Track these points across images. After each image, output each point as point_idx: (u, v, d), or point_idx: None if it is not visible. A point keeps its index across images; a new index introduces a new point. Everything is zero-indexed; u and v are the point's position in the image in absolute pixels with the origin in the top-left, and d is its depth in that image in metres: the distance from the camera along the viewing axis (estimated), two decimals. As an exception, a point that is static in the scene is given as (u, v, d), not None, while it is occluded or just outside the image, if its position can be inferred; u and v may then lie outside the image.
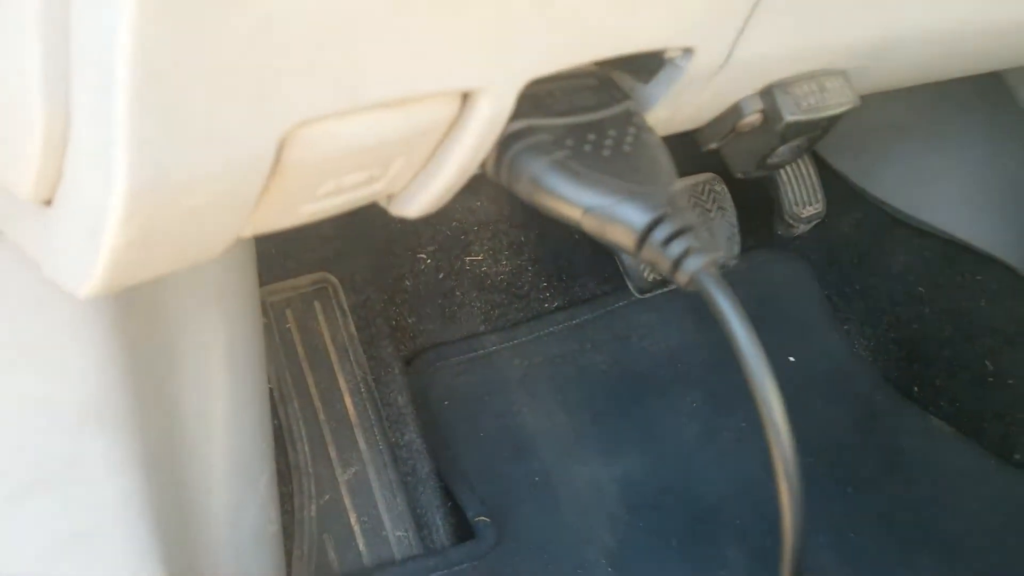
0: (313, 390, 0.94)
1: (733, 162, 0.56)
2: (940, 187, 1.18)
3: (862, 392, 1.26)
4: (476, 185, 1.34)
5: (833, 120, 0.53)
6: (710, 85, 0.48)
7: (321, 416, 0.93)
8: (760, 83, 0.51)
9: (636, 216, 0.37)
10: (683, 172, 1.21)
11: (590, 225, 0.38)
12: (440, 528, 0.97)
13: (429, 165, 0.42)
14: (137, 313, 0.55)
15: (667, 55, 0.45)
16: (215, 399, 0.64)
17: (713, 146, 0.56)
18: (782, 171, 1.25)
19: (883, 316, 1.29)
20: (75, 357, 0.53)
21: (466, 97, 0.39)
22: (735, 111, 0.52)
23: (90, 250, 0.33)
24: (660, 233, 0.36)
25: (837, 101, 0.52)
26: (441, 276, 1.20)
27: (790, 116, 0.51)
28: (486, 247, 1.23)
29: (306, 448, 0.91)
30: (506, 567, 0.98)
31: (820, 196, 1.28)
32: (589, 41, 0.40)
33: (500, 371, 1.17)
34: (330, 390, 0.94)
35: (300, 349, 0.95)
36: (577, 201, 0.38)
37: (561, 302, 1.23)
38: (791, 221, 1.29)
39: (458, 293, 1.19)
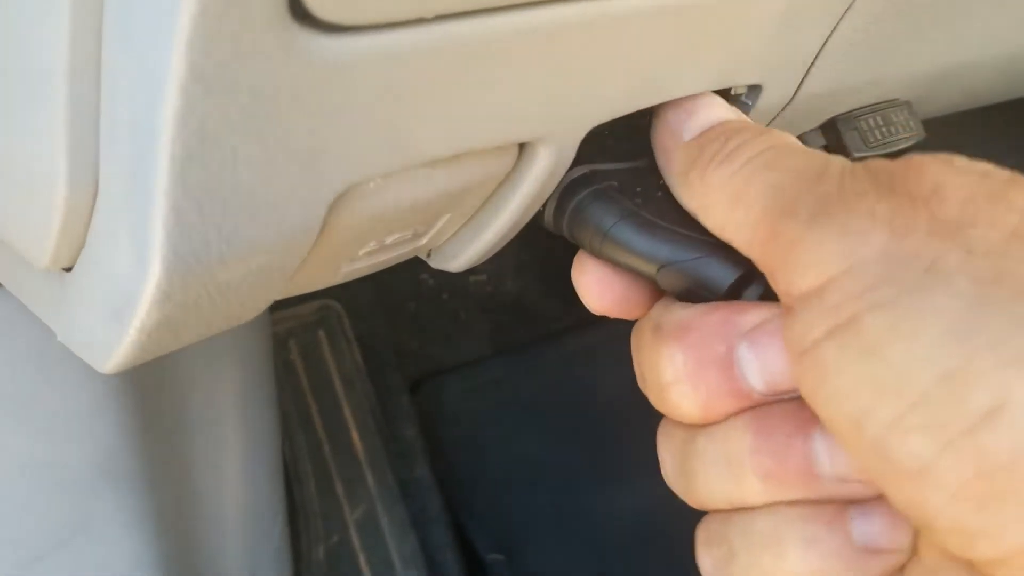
0: (319, 423, 0.90)
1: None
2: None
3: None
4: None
5: (899, 154, 0.50)
6: (774, 122, 0.45)
7: (327, 450, 0.90)
8: (823, 117, 0.48)
9: (721, 273, 0.33)
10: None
11: (666, 280, 0.35)
12: (452, 567, 0.94)
13: (477, 218, 0.39)
14: (147, 367, 0.52)
15: (733, 92, 0.42)
16: (227, 451, 0.60)
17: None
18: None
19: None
20: (83, 416, 0.49)
21: (523, 147, 0.36)
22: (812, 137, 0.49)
23: (115, 328, 0.30)
24: (751, 293, 0.32)
25: (904, 135, 0.49)
26: (445, 297, 1.17)
27: (857, 152, 0.48)
28: (491, 266, 1.20)
29: (312, 486, 0.88)
30: (521, 607, 0.95)
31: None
32: (656, 85, 0.37)
33: (507, 397, 1.14)
34: (336, 423, 0.91)
35: (305, 380, 0.92)
36: (654, 256, 0.34)
37: (569, 322, 1.21)
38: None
39: (462, 314, 1.16)
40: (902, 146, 0.49)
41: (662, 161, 0.35)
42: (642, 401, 1.26)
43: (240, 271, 0.30)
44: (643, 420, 1.27)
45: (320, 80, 0.26)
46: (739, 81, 0.41)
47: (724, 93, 0.43)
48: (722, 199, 0.29)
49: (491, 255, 0.42)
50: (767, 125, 0.45)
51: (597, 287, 0.37)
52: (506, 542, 1.00)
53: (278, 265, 0.31)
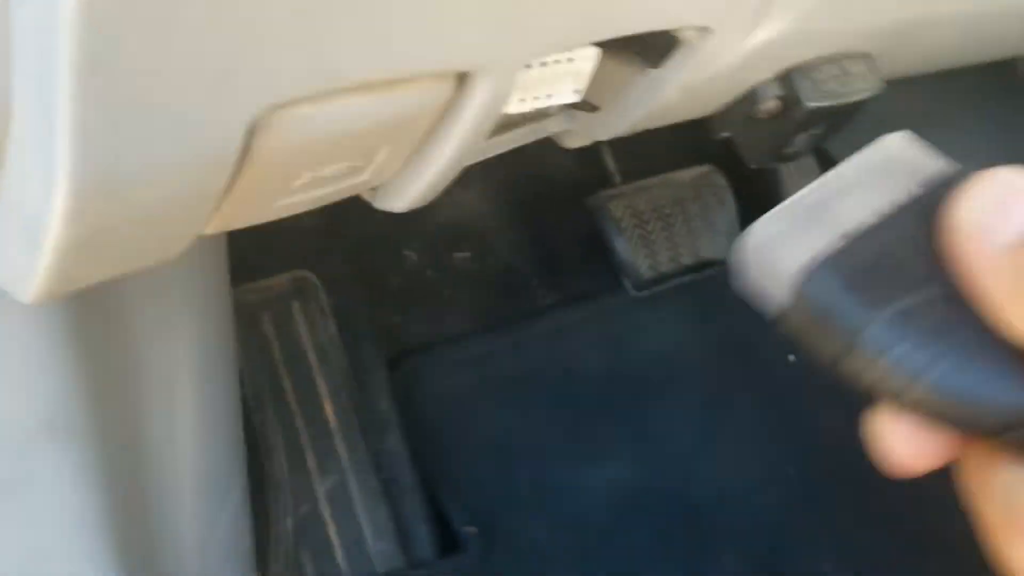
0: (291, 396, 0.90)
1: (747, 152, 0.53)
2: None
3: (864, 392, 1.24)
4: (465, 178, 1.31)
5: (855, 106, 0.49)
6: (726, 69, 0.45)
7: (299, 423, 0.89)
8: (779, 67, 0.48)
9: None
10: (678, 164, 1.18)
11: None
12: (425, 540, 0.93)
13: (418, 154, 0.39)
14: (93, 316, 0.51)
15: (681, 35, 0.42)
16: (182, 409, 0.60)
17: (726, 134, 0.52)
18: (784, 164, 1.22)
19: (888, 314, 1.26)
20: (25, 368, 0.49)
21: (462, 79, 0.35)
22: (751, 97, 0.49)
23: (32, 251, 0.30)
24: None
25: (861, 86, 0.49)
26: (428, 274, 1.16)
27: (811, 102, 0.47)
28: (475, 244, 1.20)
29: (282, 458, 0.87)
30: (495, 581, 0.95)
31: (822, 189, 1.25)
32: (598, 19, 0.37)
33: (489, 373, 1.13)
34: (309, 396, 0.90)
35: (277, 353, 0.91)
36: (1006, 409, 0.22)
37: (554, 300, 1.20)
38: (792, 215, 1.26)
39: (446, 291, 1.16)
40: (858, 98, 0.49)
41: (971, 285, 0.22)
42: (625, 378, 1.26)
43: (156, 193, 0.29)
44: (626, 397, 1.26)
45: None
46: (688, 22, 0.40)
47: (671, 37, 0.42)
48: None
49: (434, 195, 0.41)
50: (716, 72, 0.45)
51: (912, 446, 0.24)
52: (482, 516, 1.00)
53: (197, 191, 0.31)
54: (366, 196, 0.43)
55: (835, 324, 0.22)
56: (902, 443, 0.24)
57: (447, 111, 0.36)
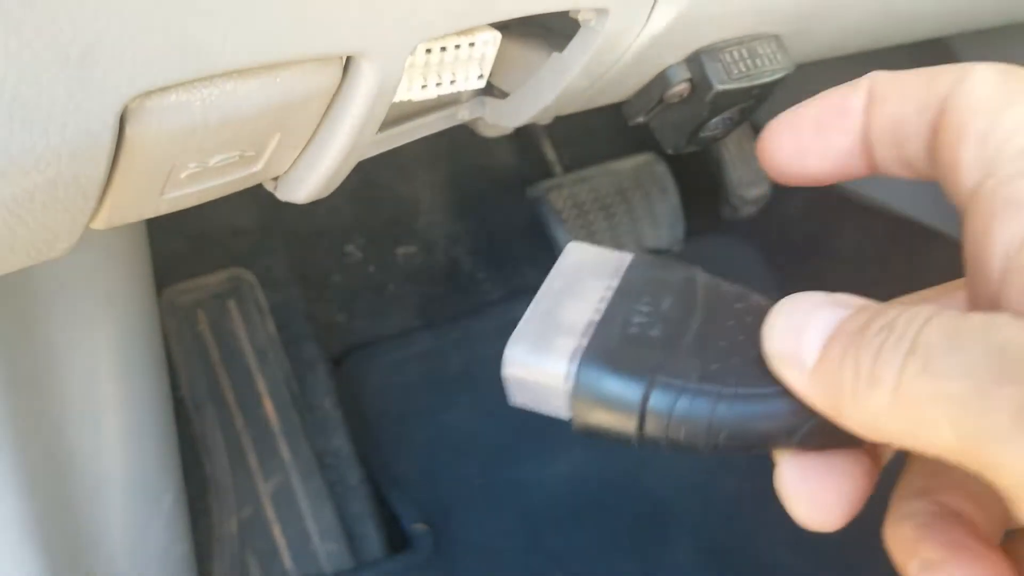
0: (230, 396, 0.89)
1: (663, 137, 0.53)
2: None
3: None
4: (408, 172, 1.31)
5: (767, 88, 0.50)
6: (631, 51, 0.45)
7: (239, 423, 0.89)
8: (687, 50, 0.48)
9: None
10: (622, 152, 1.19)
11: None
12: (373, 538, 0.93)
13: (313, 143, 0.39)
14: (3, 311, 0.51)
15: (580, 18, 0.42)
16: (106, 411, 0.59)
17: (640, 120, 0.53)
18: (726, 151, 1.23)
19: (834, 298, 1.28)
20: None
21: (348, 63, 0.35)
22: (661, 81, 0.49)
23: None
24: None
25: (770, 68, 0.49)
26: (372, 269, 1.16)
27: (720, 85, 0.48)
28: (419, 238, 1.20)
29: (224, 459, 0.87)
30: (445, 577, 0.95)
31: (766, 177, 1.26)
32: (491, 0, 0.37)
33: (436, 368, 1.13)
34: (249, 395, 0.90)
35: (214, 353, 0.91)
36: None
37: (500, 294, 1.20)
38: (737, 203, 1.27)
39: (390, 287, 1.16)
40: (767, 79, 0.49)
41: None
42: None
43: (25, 184, 0.29)
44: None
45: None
46: (583, 3, 0.40)
47: (571, 20, 0.42)
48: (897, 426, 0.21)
49: (336, 183, 0.41)
50: (621, 55, 0.45)
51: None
52: (431, 512, 0.99)
53: (73, 181, 0.30)
54: (268, 187, 0.42)
55: (621, 406, 0.24)
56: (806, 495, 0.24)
57: (335, 98, 0.36)
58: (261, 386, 0.91)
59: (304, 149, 0.39)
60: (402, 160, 1.23)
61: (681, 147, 0.53)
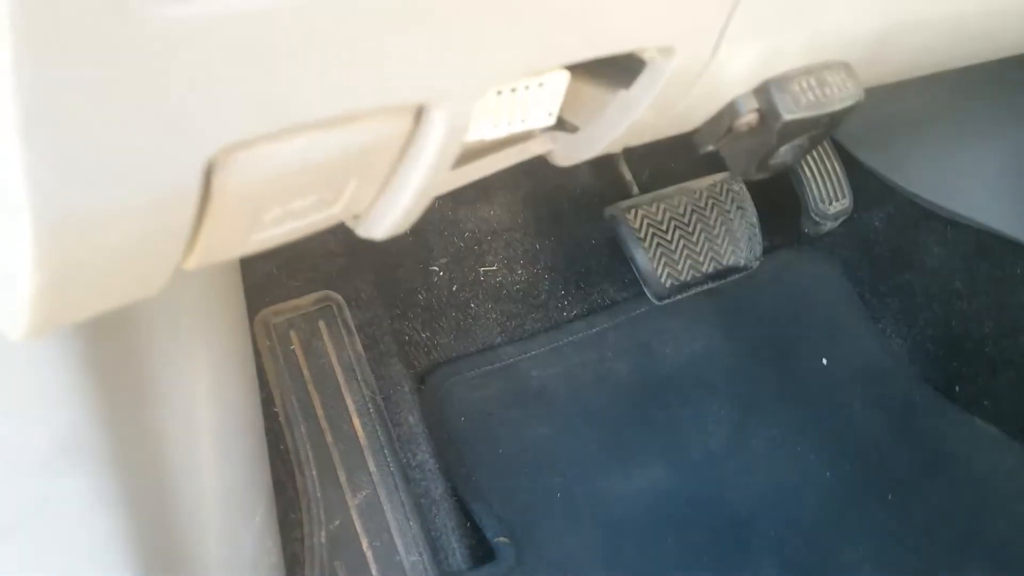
0: (320, 412, 0.92)
1: (733, 164, 0.53)
2: (972, 177, 1.13)
3: (900, 393, 1.22)
4: (489, 193, 1.32)
5: (836, 116, 0.49)
6: (698, 85, 0.45)
7: (329, 439, 0.91)
8: (755, 80, 0.48)
9: None
10: (697, 172, 1.18)
11: None
12: (456, 551, 0.94)
13: (389, 185, 0.40)
14: (110, 340, 0.53)
15: (646, 57, 0.42)
16: (202, 429, 0.62)
17: (710, 148, 0.53)
18: (805, 167, 1.21)
19: (919, 313, 1.24)
20: (43, 394, 0.51)
21: (419, 111, 0.36)
22: (730, 111, 0.49)
23: (10, 294, 0.31)
24: None
25: (839, 96, 0.49)
26: (455, 288, 1.17)
27: (788, 114, 0.47)
28: (500, 257, 1.21)
29: (314, 473, 0.89)
30: (527, 590, 0.95)
31: (847, 191, 1.23)
32: (556, 46, 0.37)
33: (518, 383, 1.14)
34: (337, 412, 0.92)
35: (306, 371, 0.93)
36: None
37: (579, 310, 1.21)
38: (817, 218, 1.24)
39: (473, 305, 1.17)
40: (837, 107, 0.48)
41: None
42: (654, 386, 1.26)
43: (120, 233, 0.31)
44: (654, 405, 1.26)
45: (162, 39, 0.26)
46: (648, 43, 0.40)
47: (636, 58, 0.43)
48: None
49: (413, 219, 0.42)
50: (688, 89, 0.45)
51: None
52: (514, 526, 1.00)
53: (163, 229, 0.32)
54: (350, 224, 0.44)
55: None
56: None
57: (408, 142, 0.37)
58: (349, 403, 0.93)
59: (381, 191, 0.40)
60: (483, 182, 1.24)
61: (751, 174, 0.52)
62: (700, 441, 1.15)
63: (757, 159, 0.51)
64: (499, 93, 0.43)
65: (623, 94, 0.45)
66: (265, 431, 0.90)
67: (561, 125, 0.50)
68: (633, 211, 1.09)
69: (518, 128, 0.45)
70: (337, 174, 0.36)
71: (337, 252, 1.02)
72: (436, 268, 1.17)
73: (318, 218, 0.39)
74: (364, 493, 0.91)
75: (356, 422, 0.93)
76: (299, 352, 0.93)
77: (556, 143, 0.50)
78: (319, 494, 0.89)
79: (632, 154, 1.21)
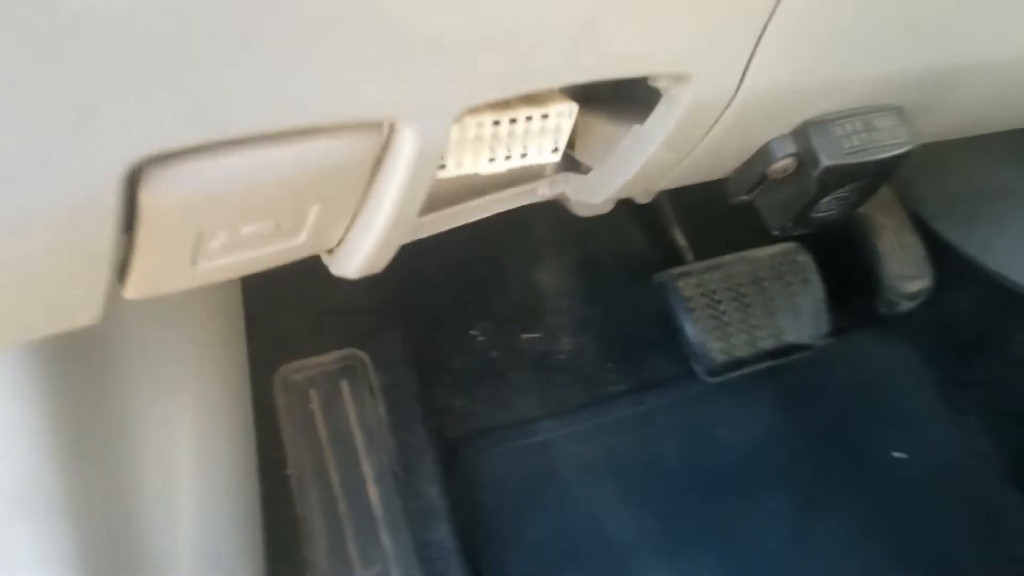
0: (335, 478, 0.88)
1: (769, 217, 0.49)
2: (1065, 257, 1.06)
3: (983, 494, 1.14)
4: (536, 256, 1.29)
5: (886, 165, 0.45)
6: (722, 123, 0.41)
7: (342, 508, 0.87)
8: (792, 121, 0.44)
9: None
10: (761, 242, 1.13)
11: None
12: (474, 639, 0.89)
13: (362, 214, 0.37)
14: (79, 384, 0.51)
15: (660, 86, 0.39)
16: (182, 487, 0.59)
17: (744, 198, 0.49)
18: (880, 241, 1.16)
19: (1005, 406, 1.16)
20: None
21: (388, 131, 0.33)
22: (763, 155, 0.45)
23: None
24: None
25: (889, 142, 0.44)
26: (495, 355, 1.14)
27: (828, 160, 0.43)
28: (546, 323, 1.17)
29: (324, 544, 0.85)
30: None
31: (927, 268, 1.17)
32: (547, 66, 0.34)
33: (556, 461, 1.09)
34: (353, 478, 0.89)
35: (323, 432, 0.90)
36: None
37: (627, 385, 1.16)
38: (894, 297, 1.18)
39: (513, 373, 1.13)
40: (886, 155, 0.44)
41: None
42: (706, 472, 1.19)
43: (23, 248, 0.28)
44: (705, 494, 1.19)
45: (68, 25, 0.24)
46: (659, 69, 0.37)
47: (650, 88, 0.39)
48: None
49: (386, 259, 0.39)
50: (711, 126, 0.41)
51: None
52: (540, 617, 0.95)
53: (77, 248, 0.29)
54: (324, 260, 0.41)
55: None
56: None
57: (379, 166, 0.34)
58: (366, 469, 0.90)
59: (351, 222, 0.37)
60: (531, 243, 1.22)
61: (789, 229, 0.48)
62: (756, 538, 1.08)
63: (795, 211, 0.47)
64: (496, 123, 0.40)
65: (636, 129, 0.42)
66: (274, 495, 0.87)
67: (574, 165, 0.47)
68: (684, 279, 1.05)
69: (517, 163, 0.42)
70: (294, 198, 0.33)
71: (367, 309, 0.99)
72: (476, 332, 1.14)
73: (278, 248, 0.36)
74: (376, 569, 0.86)
75: (372, 490, 0.89)
76: (317, 411, 0.91)
77: (568, 185, 0.47)
78: (327, 568, 0.85)
79: (689, 219, 1.17)
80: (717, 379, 1.07)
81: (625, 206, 1.18)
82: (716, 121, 0.41)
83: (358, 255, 0.38)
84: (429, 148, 0.34)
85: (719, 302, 1.04)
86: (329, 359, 0.94)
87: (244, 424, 0.64)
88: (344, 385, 0.93)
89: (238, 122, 0.29)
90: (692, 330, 1.04)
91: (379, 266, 0.40)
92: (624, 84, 0.38)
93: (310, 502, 0.87)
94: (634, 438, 1.12)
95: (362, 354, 0.95)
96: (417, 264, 1.16)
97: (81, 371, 0.51)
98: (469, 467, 1.03)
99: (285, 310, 0.95)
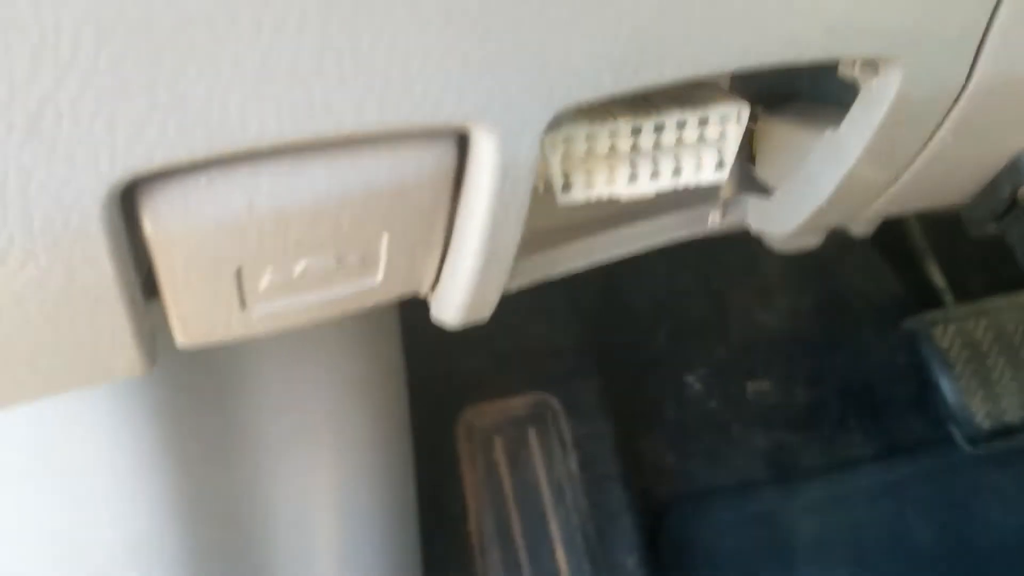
0: (519, 539, 0.83)
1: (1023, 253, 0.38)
2: None
3: None
4: (768, 293, 1.19)
5: None
6: (947, 125, 0.32)
7: (525, 573, 0.81)
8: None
9: None
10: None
11: None
12: None
13: (451, 248, 0.30)
14: (205, 432, 0.48)
15: (856, 76, 0.30)
16: (319, 546, 0.55)
17: (989, 229, 0.38)
18: None
19: None
20: (112, 494, 0.46)
21: (460, 138, 0.27)
22: (1012, 172, 0.35)
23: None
24: None
25: None
26: (714, 405, 1.06)
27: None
28: (775, 372, 1.07)
29: (504, 611, 0.80)
30: None
31: None
32: (667, 50, 0.26)
33: (784, 535, 1.00)
34: (539, 541, 0.83)
35: (507, 486, 0.85)
36: None
37: (873, 448, 1.04)
38: None
39: (735, 428, 1.04)
40: None
41: None
42: (968, 558, 1.04)
43: (18, 277, 0.24)
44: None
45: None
46: (848, 51, 0.28)
47: (829, 71, 0.30)
48: None
49: (489, 302, 0.32)
50: (931, 131, 0.32)
51: None
52: None
53: (74, 279, 0.25)
54: (429, 302, 0.35)
55: None
56: None
57: (457, 186, 0.28)
58: (554, 531, 0.83)
59: (439, 256, 0.31)
60: (760, 277, 1.12)
61: (1056, 271, 0.37)
62: (1031, 643, 0.93)
63: (1063, 247, 0.36)
64: (636, 131, 0.32)
65: (829, 136, 0.33)
66: (454, 552, 0.82)
67: (750, 184, 0.38)
68: (941, 326, 0.92)
69: (667, 183, 0.34)
70: (348, 224, 0.27)
71: (564, 349, 0.93)
72: (692, 379, 1.06)
73: (352, 290, 0.31)
74: (560, 646, 0.79)
75: (560, 555, 0.82)
76: (502, 463, 0.85)
77: (745, 210, 0.38)
78: (506, 638, 0.79)
79: (948, 252, 1.03)
80: (981, 447, 0.93)
81: (872, 237, 1.05)
82: (939, 124, 0.31)
83: (454, 299, 0.32)
84: (516, 161, 0.27)
85: (985, 354, 0.91)
86: (517, 404, 0.89)
87: (401, 475, 0.60)
88: (532, 434, 0.87)
89: (244, 129, 0.23)
90: (950, 388, 0.91)
91: (482, 313, 0.33)
92: (813, 76, 0.30)
93: (491, 564, 0.81)
94: (880, 512, 1.01)
95: (554, 400, 0.89)
96: (623, 297, 1.09)
97: (210, 420, 0.49)
98: (676, 536, 0.95)
99: (471, 347, 0.91)
